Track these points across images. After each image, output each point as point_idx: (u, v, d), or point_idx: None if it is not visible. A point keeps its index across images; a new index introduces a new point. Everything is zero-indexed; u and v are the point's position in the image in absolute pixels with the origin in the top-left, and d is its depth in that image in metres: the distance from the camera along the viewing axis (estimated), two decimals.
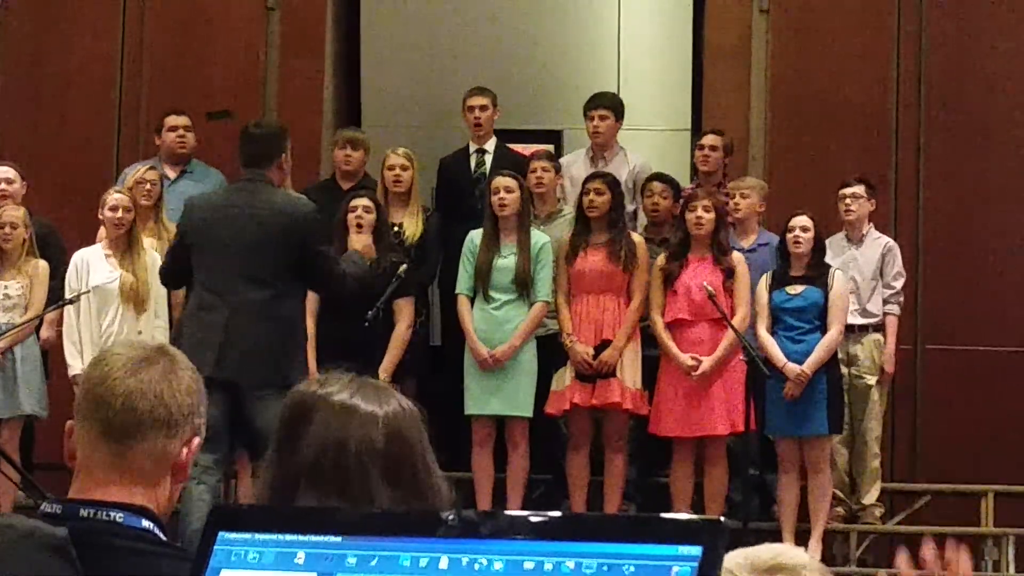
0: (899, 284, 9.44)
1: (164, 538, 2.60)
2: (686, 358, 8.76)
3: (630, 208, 9.54)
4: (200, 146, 9.97)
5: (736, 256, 8.94)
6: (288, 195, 8.21)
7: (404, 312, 8.77)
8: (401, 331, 8.75)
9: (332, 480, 2.50)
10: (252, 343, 7.66)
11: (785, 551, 2.28)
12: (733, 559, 2.18)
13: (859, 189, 9.44)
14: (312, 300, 8.69)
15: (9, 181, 9.26)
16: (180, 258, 7.94)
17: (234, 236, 7.75)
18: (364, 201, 8.81)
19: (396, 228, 9.16)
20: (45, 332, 9.02)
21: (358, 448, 2.52)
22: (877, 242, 9.49)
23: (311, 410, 2.60)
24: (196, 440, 2.66)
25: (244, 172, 8.03)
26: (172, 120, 9.87)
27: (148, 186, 9.09)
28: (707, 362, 8.73)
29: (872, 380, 9.28)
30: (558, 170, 9.44)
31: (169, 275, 8.21)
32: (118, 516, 2.55)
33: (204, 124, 10.25)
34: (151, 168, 9.35)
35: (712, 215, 8.87)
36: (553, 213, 9.35)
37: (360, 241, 8.54)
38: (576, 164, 9.78)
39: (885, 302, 9.39)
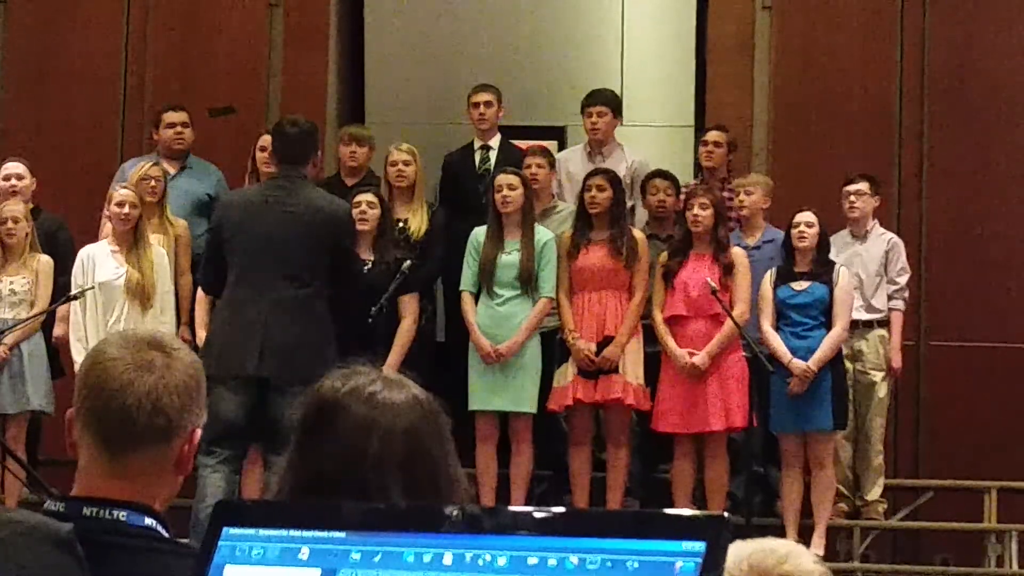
0: (903, 280, 9.44)
1: (167, 535, 2.60)
2: (682, 353, 8.76)
3: (629, 204, 9.53)
4: (201, 142, 9.97)
5: (736, 252, 8.94)
6: (324, 193, 8.34)
7: (409, 308, 8.77)
8: (406, 327, 8.74)
9: (350, 493, 2.46)
10: (289, 341, 7.76)
11: (791, 552, 2.26)
12: (735, 561, 2.16)
13: (863, 186, 9.45)
14: None
15: (19, 177, 9.29)
16: (216, 256, 8.06)
17: (273, 233, 7.87)
18: (368, 197, 8.82)
19: (401, 224, 9.16)
20: (58, 330, 9.01)
21: (377, 462, 2.49)
22: (881, 238, 9.49)
23: (332, 415, 2.53)
24: (197, 432, 2.65)
25: (280, 169, 8.15)
26: (170, 116, 9.86)
27: (152, 183, 9.09)
28: (701, 355, 8.73)
29: (878, 376, 9.28)
30: (553, 165, 9.45)
31: (208, 276, 8.29)
32: (121, 515, 2.55)
33: (205, 120, 10.26)
34: (155, 164, 9.34)
35: (710, 211, 8.86)
36: (548, 209, 9.36)
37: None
38: (573, 160, 9.78)
39: (890, 298, 9.40)
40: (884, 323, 9.37)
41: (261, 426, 7.80)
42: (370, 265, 8.70)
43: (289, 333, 7.78)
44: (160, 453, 2.60)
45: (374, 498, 2.43)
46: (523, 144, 10.04)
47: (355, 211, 8.73)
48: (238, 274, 7.96)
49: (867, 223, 9.49)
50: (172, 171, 9.65)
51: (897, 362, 9.39)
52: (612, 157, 9.71)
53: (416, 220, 9.23)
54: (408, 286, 8.69)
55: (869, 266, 9.37)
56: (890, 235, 9.56)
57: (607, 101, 9.83)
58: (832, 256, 9.11)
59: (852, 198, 9.42)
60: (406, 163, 9.29)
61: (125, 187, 8.90)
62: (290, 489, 2.53)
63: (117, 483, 2.58)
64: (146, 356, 2.59)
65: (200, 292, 8.78)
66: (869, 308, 9.31)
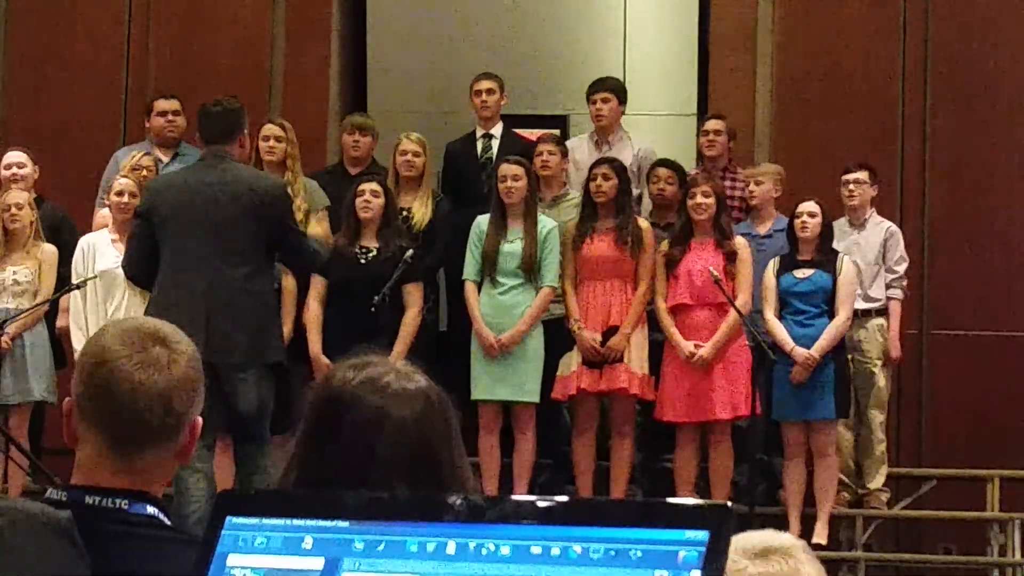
0: (901, 268, 9.44)
1: (169, 523, 2.60)
2: (688, 345, 8.75)
3: (635, 192, 9.53)
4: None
5: (738, 240, 8.94)
6: (255, 171, 8.19)
7: (414, 297, 8.75)
8: (411, 316, 8.72)
9: (357, 487, 2.45)
10: (234, 322, 7.58)
11: (772, 535, 2.30)
12: None
13: (862, 175, 9.45)
14: (320, 284, 8.71)
15: (20, 165, 9.30)
16: (147, 244, 7.74)
17: (208, 213, 7.63)
18: (372, 186, 8.81)
19: (404, 213, 9.15)
20: (61, 321, 9.01)
21: (387, 458, 2.49)
22: (879, 227, 9.49)
23: (344, 408, 2.52)
24: (199, 420, 2.65)
25: (206, 149, 7.93)
26: (161, 104, 9.82)
27: (144, 172, 9.07)
28: (707, 347, 8.73)
29: (877, 366, 9.28)
30: (564, 154, 9.44)
31: (139, 267, 7.88)
32: (123, 503, 2.55)
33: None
34: (146, 153, 9.34)
35: (712, 200, 8.86)
36: (559, 197, 9.35)
37: (321, 228, 8.60)
38: (580, 148, 9.77)
39: (888, 287, 9.39)
40: (882, 312, 9.36)
41: (225, 414, 7.62)
42: (375, 253, 8.70)
43: (231, 315, 7.57)
44: (167, 448, 2.62)
45: (380, 490, 2.42)
46: (526, 133, 10.04)
47: (359, 200, 8.72)
48: (173, 259, 7.68)
49: (865, 212, 9.49)
50: (165, 159, 9.63)
51: (896, 351, 9.39)
52: (618, 145, 9.70)
53: (421, 210, 9.22)
54: (412, 275, 8.69)
55: (867, 255, 9.36)
56: (888, 224, 9.55)
57: (612, 88, 9.82)
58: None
59: (851, 187, 9.42)
60: (416, 153, 9.28)
61: (125, 176, 8.90)
62: (295, 481, 2.53)
63: (122, 477, 2.58)
64: (152, 353, 2.59)
65: None
66: (867, 298, 9.30)
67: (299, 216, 8.56)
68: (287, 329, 8.56)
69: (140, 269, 7.91)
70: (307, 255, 8.01)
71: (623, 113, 9.83)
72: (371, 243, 8.73)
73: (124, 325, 2.69)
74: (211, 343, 7.27)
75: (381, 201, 8.75)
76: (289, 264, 8.20)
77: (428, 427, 2.53)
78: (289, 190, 8.37)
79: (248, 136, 8.09)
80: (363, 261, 8.69)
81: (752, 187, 9.45)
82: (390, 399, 2.52)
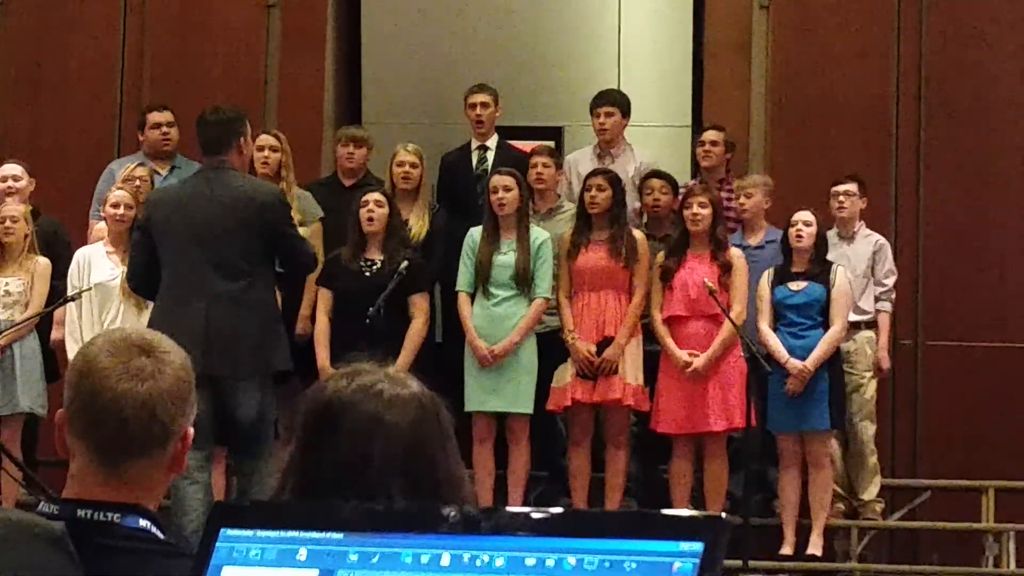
0: (890, 281, 9.44)
1: (162, 536, 2.59)
2: (682, 355, 8.76)
3: (636, 205, 9.53)
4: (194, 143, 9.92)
5: (734, 252, 8.94)
6: (252, 180, 8.12)
7: (419, 308, 8.73)
8: (417, 326, 8.70)
9: (354, 496, 2.45)
10: (233, 334, 7.57)
11: None
12: None
13: (851, 187, 9.46)
14: (326, 297, 8.71)
15: (16, 178, 9.29)
16: (148, 256, 7.75)
17: (204, 225, 7.63)
18: (376, 196, 8.81)
19: None
20: (56, 333, 8.99)
21: (382, 465, 2.49)
22: (868, 239, 9.50)
23: (338, 416, 2.53)
24: (190, 431, 2.64)
25: (205, 161, 7.91)
26: (155, 117, 9.78)
27: (138, 183, 9.06)
28: (701, 359, 8.73)
29: (866, 378, 9.28)
30: (559, 166, 9.44)
31: (141, 278, 7.91)
32: (115, 517, 2.54)
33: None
34: (140, 165, 9.33)
35: (709, 210, 8.87)
36: (553, 209, 9.35)
37: (314, 240, 8.68)
38: (583, 161, 9.76)
39: (877, 299, 9.39)
40: (871, 324, 9.37)
41: (223, 425, 7.63)
42: (379, 265, 8.70)
43: (230, 327, 7.57)
44: (155, 458, 2.60)
45: (377, 500, 2.43)
46: (520, 144, 10.04)
47: (363, 210, 8.71)
48: (172, 272, 7.70)
49: (854, 224, 9.50)
50: (163, 172, 9.61)
51: (886, 363, 9.40)
52: (621, 158, 9.70)
53: (418, 222, 9.22)
54: (416, 285, 8.68)
55: (856, 267, 9.36)
56: (876, 236, 9.55)
57: (615, 101, 9.81)
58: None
59: (841, 198, 9.43)
60: (413, 165, 9.28)
61: (120, 188, 8.90)
62: (291, 491, 2.53)
63: (112, 489, 2.57)
64: (137, 363, 2.58)
65: None
66: (856, 310, 9.29)
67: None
68: None
69: (142, 281, 7.95)
70: (304, 259, 8.02)
71: (626, 126, 9.84)
72: (375, 255, 8.73)
73: (112, 335, 2.67)
74: (211, 356, 7.30)
75: (385, 211, 8.75)
76: (290, 270, 8.17)
77: (423, 431, 2.54)
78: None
79: (249, 142, 8.04)
80: (368, 273, 8.70)
81: (742, 199, 9.44)
82: (385, 405, 2.53)
